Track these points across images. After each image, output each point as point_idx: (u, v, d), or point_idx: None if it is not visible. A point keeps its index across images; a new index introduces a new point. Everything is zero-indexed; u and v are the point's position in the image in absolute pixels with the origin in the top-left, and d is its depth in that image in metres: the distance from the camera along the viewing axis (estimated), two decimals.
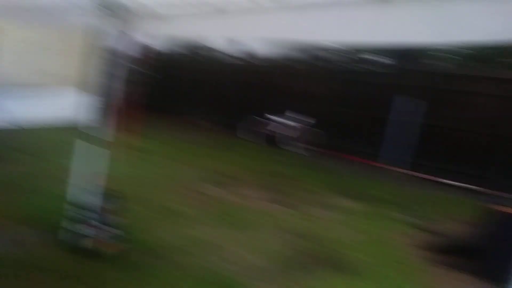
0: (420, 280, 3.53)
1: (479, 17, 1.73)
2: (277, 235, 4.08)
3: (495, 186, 5.87)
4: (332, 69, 10.13)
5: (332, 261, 3.63)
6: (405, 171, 7.62)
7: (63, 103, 7.94)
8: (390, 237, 4.45)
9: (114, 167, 3.64)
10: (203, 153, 7.80)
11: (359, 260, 3.68)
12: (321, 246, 3.93)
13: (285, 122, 9.43)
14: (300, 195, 5.61)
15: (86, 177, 3.33)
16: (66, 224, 3.15)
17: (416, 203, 5.85)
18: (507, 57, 9.71)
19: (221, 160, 7.32)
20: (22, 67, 7.52)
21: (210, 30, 2.97)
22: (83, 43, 7.85)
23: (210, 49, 13.02)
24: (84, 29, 5.09)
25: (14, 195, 4.11)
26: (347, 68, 10.12)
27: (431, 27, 1.89)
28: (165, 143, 8.24)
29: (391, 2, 1.99)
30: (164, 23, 3.13)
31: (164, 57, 12.94)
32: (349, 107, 9.19)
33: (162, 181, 5.45)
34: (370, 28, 2.09)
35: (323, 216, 4.85)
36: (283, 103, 9.83)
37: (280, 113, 9.55)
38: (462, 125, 7.75)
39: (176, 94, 12.64)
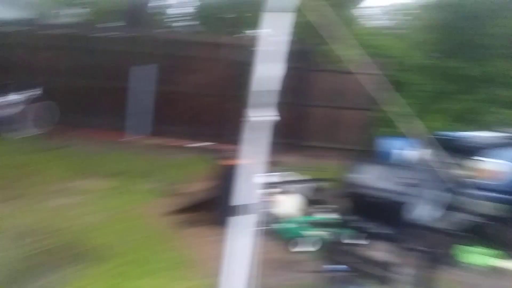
0: (168, 246, 3.62)
1: None
2: (3, 239, 3.41)
3: (225, 141, 6.65)
4: (62, 37, 9.01)
5: (75, 253, 3.30)
6: (149, 139, 7.74)
7: None
8: (138, 210, 4.41)
9: None
10: None
11: (105, 244, 3.48)
12: (62, 239, 3.51)
13: (9, 101, 7.91)
14: (33, 186, 4.87)
15: None
16: None
17: (162, 170, 6.01)
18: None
19: None
20: None
21: None
22: None
23: None
24: None
25: None
26: (81, 35, 9.19)
27: None
28: None
29: None
30: None
31: None
32: (86, 78, 8.49)
33: None
34: None
35: (62, 204, 4.37)
36: (4, 78, 8.18)
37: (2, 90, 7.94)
38: (194, 89, 8.46)
39: None
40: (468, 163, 4.11)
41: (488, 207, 3.78)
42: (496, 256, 3.89)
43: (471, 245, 4.00)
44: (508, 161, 3.86)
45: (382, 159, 7.51)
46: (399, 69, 8.34)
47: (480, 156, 4.00)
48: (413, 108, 8.35)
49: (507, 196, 3.82)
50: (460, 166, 4.18)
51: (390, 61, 8.33)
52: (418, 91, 8.26)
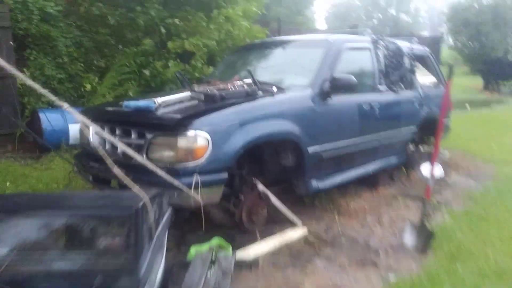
0: None
1: None
2: None
3: None
4: None
5: None
6: None
7: None
8: None
9: None
10: None
11: None
12: None
13: None
14: None
15: None
16: None
17: None
18: None
19: None
20: None
21: None
22: None
23: None
24: None
25: None
26: None
27: None
28: None
29: None
30: None
31: None
32: None
33: None
34: None
35: None
36: None
37: None
38: None
39: None
40: (160, 141, 3.10)
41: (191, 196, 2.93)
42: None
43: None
44: (205, 130, 3.03)
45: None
46: (26, 19, 6.24)
47: (174, 130, 3.02)
48: (66, 69, 6.65)
49: (211, 177, 3.07)
50: (149, 147, 3.12)
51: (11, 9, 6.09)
52: (65, 46, 6.51)
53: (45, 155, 5.65)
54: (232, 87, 3.50)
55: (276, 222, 3.75)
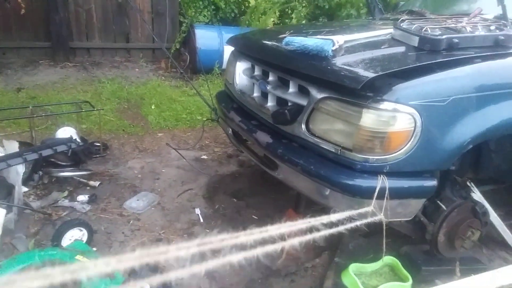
0: None
1: None
2: None
3: None
4: None
5: None
6: None
7: None
8: None
9: None
10: None
11: None
12: None
13: None
14: None
15: None
16: None
17: None
18: None
19: None
20: None
21: None
22: None
23: None
24: None
25: None
26: None
27: None
28: None
29: None
30: None
31: None
32: None
33: None
34: None
35: None
36: None
37: None
38: None
39: None
40: (332, 108, 1.94)
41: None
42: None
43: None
44: (413, 104, 1.76)
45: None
46: None
47: (358, 96, 1.82)
48: None
49: (409, 182, 1.85)
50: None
51: None
52: None
53: (197, 77, 5.07)
54: (468, 26, 2.03)
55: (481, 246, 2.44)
